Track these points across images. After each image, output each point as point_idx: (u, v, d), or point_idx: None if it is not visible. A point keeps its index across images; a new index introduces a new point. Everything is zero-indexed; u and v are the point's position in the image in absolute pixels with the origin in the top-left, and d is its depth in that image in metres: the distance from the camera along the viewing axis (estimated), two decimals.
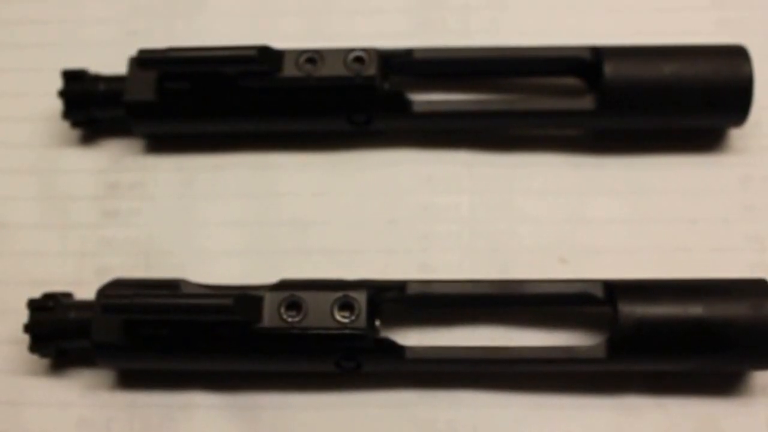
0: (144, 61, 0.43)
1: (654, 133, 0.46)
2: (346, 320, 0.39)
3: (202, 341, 0.40)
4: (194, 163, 0.47)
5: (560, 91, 0.47)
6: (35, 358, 0.42)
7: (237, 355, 0.40)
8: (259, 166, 0.46)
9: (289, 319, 0.39)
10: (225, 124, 0.46)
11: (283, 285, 0.40)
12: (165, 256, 0.45)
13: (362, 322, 0.39)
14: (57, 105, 0.46)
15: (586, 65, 0.45)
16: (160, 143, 0.47)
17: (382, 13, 0.49)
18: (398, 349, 0.40)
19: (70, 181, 0.47)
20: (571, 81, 0.46)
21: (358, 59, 0.43)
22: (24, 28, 0.50)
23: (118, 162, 0.47)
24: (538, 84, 0.47)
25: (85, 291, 0.43)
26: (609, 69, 0.43)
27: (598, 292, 0.40)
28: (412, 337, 0.42)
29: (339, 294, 0.39)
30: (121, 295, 0.39)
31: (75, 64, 0.47)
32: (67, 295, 0.43)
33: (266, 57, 0.43)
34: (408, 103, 0.45)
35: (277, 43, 0.44)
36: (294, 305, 0.39)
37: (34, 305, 0.42)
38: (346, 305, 0.39)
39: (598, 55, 0.44)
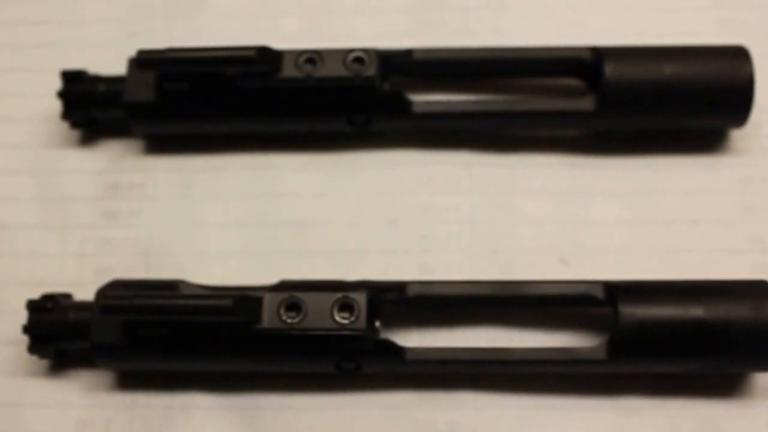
0: (143, 61, 0.43)
1: (654, 134, 0.46)
2: (345, 321, 0.39)
3: (202, 342, 0.40)
4: (194, 164, 0.47)
5: (560, 91, 0.47)
6: (34, 359, 0.42)
7: (236, 356, 0.40)
8: (258, 167, 0.46)
9: (289, 320, 0.39)
10: (224, 124, 0.46)
11: (283, 286, 0.40)
12: (164, 256, 0.45)
13: (362, 323, 0.39)
14: (56, 105, 0.46)
15: (586, 66, 0.45)
16: (160, 144, 0.47)
17: (381, 14, 0.49)
18: (398, 350, 0.40)
19: (69, 181, 0.47)
20: (571, 81, 0.46)
21: (358, 59, 0.43)
22: (23, 28, 0.50)
23: (117, 163, 0.47)
24: (538, 84, 0.47)
25: (85, 292, 0.43)
26: (609, 69, 0.43)
27: (599, 293, 0.40)
28: (412, 338, 0.42)
29: (339, 295, 0.39)
30: (121, 296, 0.39)
31: (74, 64, 0.47)
32: (67, 296, 0.43)
33: (265, 57, 0.43)
34: (408, 104, 0.44)
35: (277, 44, 0.44)
36: (293, 306, 0.39)
37: (33, 306, 0.42)
38: (346, 306, 0.39)
39: (599, 55, 0.44)
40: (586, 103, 0.44)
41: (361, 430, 0.41)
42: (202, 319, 0.39)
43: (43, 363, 0.43)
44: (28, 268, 0.45)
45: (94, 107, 0.46)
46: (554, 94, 0.47)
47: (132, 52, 0.44)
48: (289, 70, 0.43)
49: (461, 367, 0.41)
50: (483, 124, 0.46)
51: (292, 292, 0.40)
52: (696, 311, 0.38)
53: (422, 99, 0.45)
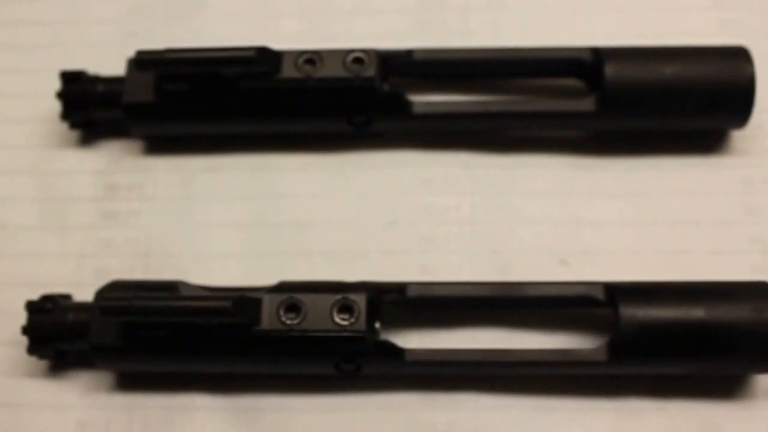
0: (142, 62, 0.43)
1: (655, 135, 0.45)
2: (345, 323, 0.39)
3: (201, 344, 0.40)
4: (193, 165, 0.47)
5: (560, 92, 0.47)
6: (34, 359, 0.42)
7: (236, 358, 0.40)
8: (258, 168, 0.46)
9: (288, 322, 0.39)
10: (224, 125, 0.46)
11: (283, 287, 0.40)
12: (164, 257, 0.45)
13: (362, 324, 0.39)
14: (56, 106, 0.46)
15: (586, 66, 0.44)
16: (159, 144, 0.47)
17: (381, 14, 0.49)
18: (398, 352, 0.40)
19: (68, 182, 0.47)
20: (571, 82, 0.46)
21: (358, 60, 0.43)
22: (23, 29, 0.50)
23: (116, 163, 0.47)
24: (538, 85, 0.47)
25: (84, 292, 0.43)
26: (610, 70, 0.43)
27: (599, 295, 0.40)
28: (412, 340, 0.42)
29: (338, 296, 0.39)
30: (119, 298, 0.39)
31: (74, 65, 0.47)
32: (66, 297, 0.43)
33: (265, 58, 0.43)
34: (408, 104, 0.44)
35: (276, 44, 0.44)
36: (293, 307, 0.39)
37: (32, 307, 0.41)
38: (346, 307, 0.39)
39: (599, 56, 0.44)
40: (587, 104, 0.44)
41: (361, 431, 0.41)
42: (201, 321, 0.39)
43: (43, 364, 0.43)
44: (28, 269, 0.45)
45: (93, 108, 0.46)
46: (554, 94, 0.47)
47: (131, 52, 0.44)
48: (288, 71, 0.43)
49: (461, 369, 0.41)
50: (483, 125, 0.46)
51: (291, 293, 0.39)
52: (697, 312, 0.38)
53: (422, 99, 0.45)
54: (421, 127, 0.46)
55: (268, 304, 0.39)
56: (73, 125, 0.47)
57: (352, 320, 0.39)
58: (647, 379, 0.41)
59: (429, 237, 0.44)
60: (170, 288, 0.40)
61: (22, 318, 0.41)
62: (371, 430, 0.41)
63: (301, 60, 0.43)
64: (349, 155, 0.46)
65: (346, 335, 0.39)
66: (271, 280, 0.41)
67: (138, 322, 0.39)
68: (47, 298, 0.42)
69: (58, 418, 0.42)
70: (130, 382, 0.43)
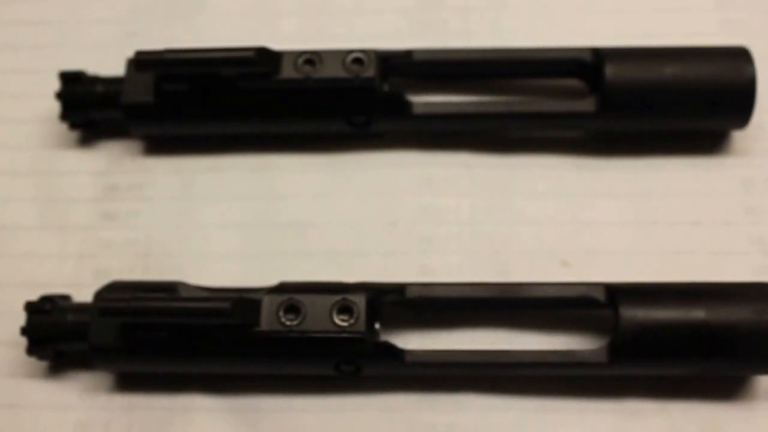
0: (142, 62, 0.43)
1: (656, 135, 0.45)
2: (345, 324, 0.39)
3: (200, 345, 0.40)
4: (193, 165, 0.46)
5: (561, 92, 0.47)
6: (33, 360, 0.42)
7: (235, 359, 0.40)
8: (257, 168, 0.46)
9: (288, 323, 0.39)
10: (223, 125, 0.45)
11: (282, 288, 0.40)
12: (164, 258, 0.45)
13: (361, 325, 0.39)
14: (55, 106, 0.46)
15: (587, 67, 0.44)
16: (159, 145, 0.47)
17: (381, 14, 0.49)
18: (398, 353, 0.40)
19: (68, 182, 0.46)
20: (571, 82, 0.46)
21: (357, 60, 0.43)
22: (22, 29, 0.50)
23: (116, 164, 0.47)
24: (538, 85, 0.47)
25: (84, 293, 0.43)
26: (610, 71, 0.43)
27: (600, 296, 0.40)
28: (412, 341, 0.42)
29: (338, 297, 0.39)
30: (119, 299, 0.39)
31: (73, 65, 0.47)
32: (66, 297, 0.43)
33: (264, 58, 0.43)
34: (407, 105, 0.44)
35: (276, 45, 0.44)
36: (293, 308, 0.39)
37: (31, 308, 0.41)
38: (345, 308, 0.39)
39: (599, 56, 0.44)
40: (587, 105, 0.44)
41: None
42: (200, 322, 0.39)
43: (42, 364, 0.43)
44: (27, 269, 0.45)
45: (92, 108, 0.46)
46: (555, 95, 0.47)
47: (131, 52, 0.44)
48: (288, 71, 0.43)
49: (461, 370, 0.41)
50: (483, 125, 0.45)
51: (291, 294, 0.39)
52: (698, 313, 0.38)
53: (422, 100, 0.45)
54: (421, 127, 0.46)
55: (267, 305, 0.39)
56: (73, 126, 0.47)
57: (352, 321, 0.39)
58: (648, 380, 0.41)
59: (429, 237, 0.44)
60: (170, 289, 0.40)
61: (21, 319, 0.41)
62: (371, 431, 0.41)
63: (300, 60, 0.43)
64: (348, 156, 0.46)
65: (345, 336, 0.39)
66: (270, 280, 0.41)
67: (137, 322, 0.39)
68: (46, 299, 0.42)
69: (57, 419, 0.42)
70: (129, 382, 0.42)
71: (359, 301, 0.39)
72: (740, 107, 0.43)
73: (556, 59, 0.45)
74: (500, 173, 0.45)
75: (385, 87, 0.44)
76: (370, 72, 0.43)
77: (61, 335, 0.41)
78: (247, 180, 0.46)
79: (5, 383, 0.43)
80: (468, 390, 0.41)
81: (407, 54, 0.45)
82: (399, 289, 0.41)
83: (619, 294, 0.39)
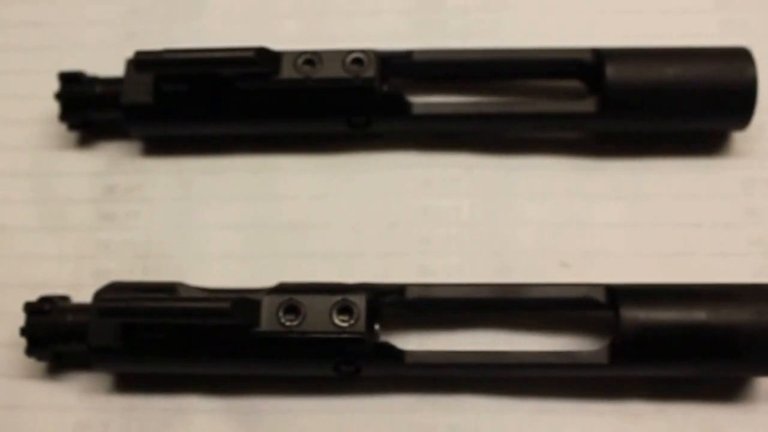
0: (141, 63, 0.43)
1: (656, 136, 0.45)
2: (345, 324, 0.39)
3: (200, 345, 0.40)
4: (192, 166, 0.46)
5: (561, 93, 0.47)
6: (32, 361, 0.42)
7: (235, 360, 0.40)
8: (257, 169, 0.46)
9: (288, 323, 0.39)
10: (223, 126, 0.45)
11: (282, 288, 0.40)
12: (163, 259, 0.45)
13: (361, 326, 0.39)
14: (54, 107, 0.46)
15: (587, 67, 0.44)
16: (158, 146, 0.47)
17: (381, 14, 0.49)
18: (398, 354, 0.40)
19: (67, 183, 0.46)
20: (572, 83, 0.46)
21: (357, 61, 0.43)
22: (21, 29, 0.50)
23: (115, 165, 0.47)
24: (538, 86, 0.47)
25: (83, 294, 0.43)
26: (611, 71, 0.43)
27: (600, 297, 0.40)
28: (411, 342, 0.42)
29: (338, 298, 0.39)
30: (118, 299, 0.39)
31: (72, 65, 0.47)
32: (64, 298, 0.43)
33: (264, 58, 0.42)
34: (407, 105, 0.44)
35: (276, 45, 0.44)
36: (292, 309, 0.39)
37: (30, 308, 0.41)
38: (345, 309, 0.39)
39: (600, 57, 0.44)
40: (587, 105, 0.44)
41: None
42: (199, 322, 0.39)
43: (41, 365, 0.43)
44: (26, 270, 0.45)
45: (91, 109, 0.45)
46: (555, 95, 0.47)
47: (130, 53, 0.44)
48: (287, 72, 0.43)
49: (461, 371, 0.41)
50: (483, 126, 0.45)
51: (291, 294, 0.39)
52: (698, 315, 0.38)
53: (422, 100, 0.45)
54: (420, 128, 0.46)
55: (267, 305, 0.39)
56: (72, 126, 0.47)
57: (352, 322, 0.39)
58: (648, 381, 0.41)
59: (429, 238, 0.44)
60: (169, 289, 0.40)
61: (20, 319, 0.41)
62: None
63: (300, 60, 0.43)
64: (348, 156, 0.46)
65: (345, 337, 0.39)
66: (270, 281, 0.41)
67: (136, 323, 0.39)
68: (45, 300, 0.42)
69: (56, 420, 0.42)
70: (128, 383, 0.42)
71: (359, 301, 0.39)
72: (741, 108, 0.43)
73: (556, 60, 0.45)
74: (500, 174, 0.45)
75: (385, 87, 0.44)
76: (369, 72, 0.43)
77: (60, 336, 0.41)
78: (247, 181, 0.46)
79: (4, 384, 0.43)
80: (468, 391, 0.41)
81: (407, 54, 0.45)
82: (399, 289, 0.41)
83: (619, 295, 0.39)
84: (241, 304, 0.38)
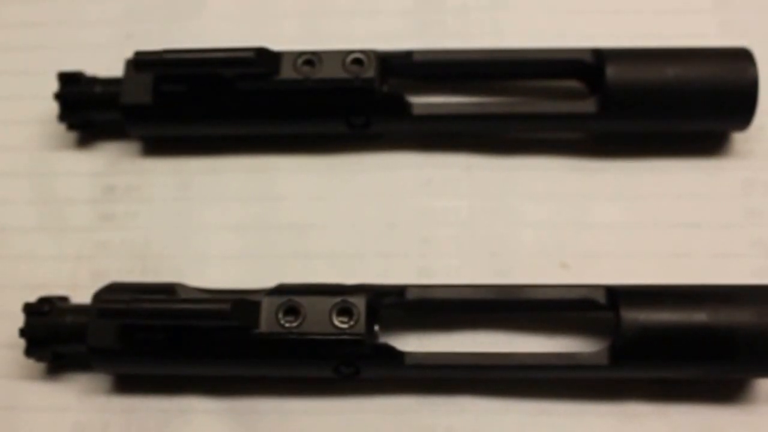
0: (140, 63, 0.42)
1: (656, 137, 0.45)
2: (344, 326, 0.39)
3: (199, 346, 0.40)
4: (191, 166, 0.46)
5: (561, 93, 0.46)
6: (31, 362, 0.42)
7: (234, 361, 0.40)
8: (256, 169, 0.46)
9: (287, 325, 0.39)
10: (222, 126, 0.45)
11: (281, 289, 0.40)
12: (162, 259, 0.45)
13: (361, 327, 0.39)
14: (53, 107, 0.46)
15: (587, 68, 0.44)
16: (157, 146, 0.47)
17: (381, 15, 0.49)
18: (397, 355, 0.40)
19: (66, 184, 0.46)
20: (572, 83, 0.46)
21: (357, 61, 0.43)
22: (20, 30, 0.50)
23: (114, 165, 0.47)
24: (538, 86, 0.47)
25: (82, 294, 0.43)
26: (611, 71, 0.43)
27: (601, 298, 0.40)
28: (411, 343, 0.42)
29: (337, 299, 0.39)
30: (117, 300, 0.38)
31: (72, 66, 0.47)
32: (64, 299, 0.43)
33: (263, 59, 0.42)
34: (407, 106, 0.44)
35: (275, 45, 0.43)
36: (292, 310, 0.39)
37: (29, 309, 0.41)
38: (345, 310, 0.39)
39: (600, 57, 0.43)
40: (588, 106, 0.43)
41: None
42: (199, 324, 0.39)
43: (40, 366, 0.43)
44: (25, 271, 0.45)
45: (91, 109, 0.45)
46: (555, 96, 0.47)
47: (130, 53, 0.44)
48: (287, 72, 0.43)
49: (461, 372, 0.41)
50: (483, 127, 0.45)
51: (290, 295, 0.39)
52: (699, 316, 0.38)
53: (422, 101, 0.45)
54: (420, 128, 0.45)
55: (266, 306, 0.39)
56: (71, 127, 0.46)
57: (352, 323, 0.39)
58: (648, 382, 0.41)
59: (428, 239, 0.44)
60: (168, 290, 0.40)
61: (19, 320, 0.41)
62: None
63: (300, 61, 0.43)
64: (348, 157, 0.46)
65: (345, 338, 0.39)
66: (269, 282, 0.41)
67: (136, 324, 0.39)
68: (45, 301, 0.42)
69: (55, 421, 0.42)
70: (127, 384, 0.42)
71: (359, 303, 0.39)
72: (742, 109, 0.43)
73: (556, 60, 0.45)
74: (500, 175, 0.45)
75: (385, 88, 0.44)
76: (369, 73, 0.43)
77: (60, 337, 0.41)
78: (246, 181, 0.46)
79: (3, 384, 0.43)
80: (467, 392, 0.41)
81: (407, 55, 0.45)
82: (399, 291, 0.40)
83: (620, 296, 0.39)
84: (241, 305, 0.38)
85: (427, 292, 0.41)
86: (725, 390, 0.41)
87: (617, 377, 0.40)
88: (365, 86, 0.43)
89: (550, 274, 0.43)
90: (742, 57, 0.43)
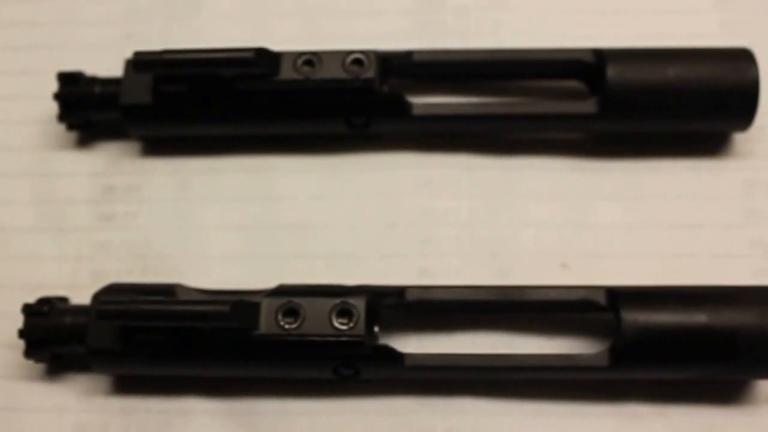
0: (140, 63, 0.42)
1: (657, 137, 0.45)
2: (344, 327, 0.39)
3: (199, 348, 0.39)
4: (191, 167, 0.46)
5: (562, 94, 0.46)
6: (31, 363, 0.42)
7: (234, 362, 0.40)
8: (256, 170, 0.46)
9: (287, 326, 0.39)
10: (222, 126, 0.45)
11: (281, 291, 0.40)
12: (161, 260, 0.45)
13: (361, 328, 0.39)
14: (53, 107, 0.46)
15: (588, 68, 0.44)
16: (157, 146, 0.47)
17: (381, 15, 0.49)
18: (397, 356, 0.40)
19: (65, 184, 0.46)
20: (573, 84, 0.46)
21: (357, 61, 0.43)
22: (20, 30, 0.50)
23: (114, 165, 0.47)
24: (539, 87, 0.47)
25: (81, 295, 0.43)
26: (611, 72, 0.43)
27: (601, 299, 0.40)
28: (411, 344, 0.42)
29: (337, 301, 0.39)
30: (116, 301, 0.38)
31: (71, 66, 0.47)
32: (63, 300, 0.43)
33: (263, 59, 0.42)
34: (407, 106, 0.44)
35: (275, 45, 0.43)
36: (291, 312, 0.39)
37: (28, 310, 0.41)
38: (345, 312, 0.39)
39: (601, 57, 0.43)
40: (588, 106, 0.43)
41: None
42: (198, 325, 0.39)
43: (40, 367, 0.43)
44: (25, 271, 0.45)
45: (90, 109, 0.45)
46: (556, 96, 0.46)
47: (129, 53, 0.44)
48: (287, 72, 0.43)
49: (461, 373, 0.40)
50: (483, 127, 0.45)
51: (290, 297, 0.39)
52: (699, 317, 0.38)
53: (422, 101, 0.45)
54: (420, 128, 0.45)
55: (266, 308, 0.39)
56: (71, 127, 0.46)
57: (351, 325, 0.39)
58: (648, 384, 0.41)
59: (428, 240, 0.44)
60: (168, 291, 0.40)
61: (19, 321, 0.41)
62: None
63: (300, 61, 0.43)
64: (347, 157, 0.46)
65: (344, 340, 0.38)
66: (269, 282, 0.41)
67: (135, 326, 0.39)
68: (44, 301, 0.42)
69: (54, 422, 0.42)
70: (127, 385, 0.42)
71: (359, 304, 0.39)
72: (743, 109, 0.43)
73: (556, 60, 0.45)
74: (500, 175, 0.45)
75: (385, 88, 0.44)
76: (369, 73, 0.43)
77: (59, 338, 0.41)
78: (246, 181, 0.46)
79: (3, 385, 0.43)
80: (467, 394, 0.41)
81: (407, 55, 0.45)
82: (398, 292, 0.40)
83: (620, 297, 0.39)
84: (240, 306, 0.38)
85: (427, 293, 0.40)
86: (726, 391, 0.41)
87: (617, 378, 0.40)
88: (365, 86, 0.43)
89: (550, 274, 0.43)
90: (743, 57, 0.43)
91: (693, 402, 0.41)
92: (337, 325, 0.39)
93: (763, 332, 0.38)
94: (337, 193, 0.45)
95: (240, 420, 0.41)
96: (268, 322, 0.39)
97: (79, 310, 0.41)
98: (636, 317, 0.38)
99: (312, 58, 0.43)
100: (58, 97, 0.45)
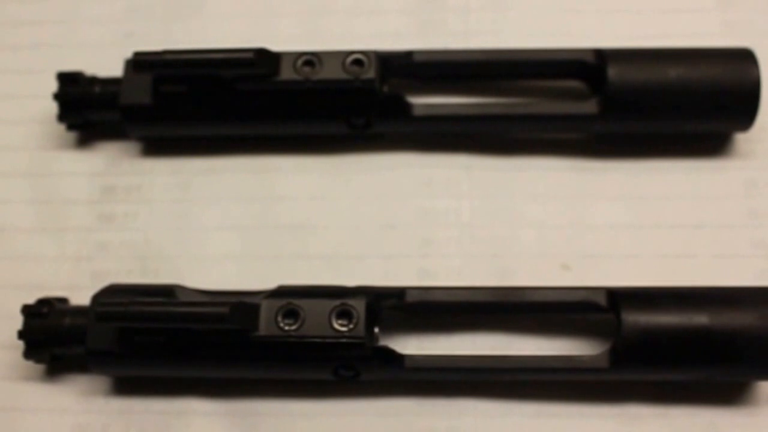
0: (140, 63, 0.42)
1: (658, 138, 0.45)
2: (344, 329, 0.39)
3: (198, 349, 0.39)
4: (191, 167, 0.46)
5: (563, 94, 0.46)
6: (30, 364, 0.42)
7: (233, 364, 0.40)
8: (256, 170, 0.46)
9: (286, 328, 0.39)
10: (222, 127, 0.45)
11: (281, 292, 0.40)
12: (161, 260, 0.45)
13: (360, 330, 0.38)
14: (52, 107, 0.46)
15: (589, 68, 0.44)
16: (157, 146, 0.47)
17: (381, 15, 0.48)
18: (397, 358, 0.40)
19: (65, 184, 0.46)
20: (573, 84, 0.46)
21: (357, 62, 0.43)
22: (19, 29, 0.50)
23: (113, 165, 0.47)
24: (540, 87, 0.47)
25: (81, 295, 0.43)
26: (613, 72, 0.43)
27: (601, 300, 0.40)
28: (411, 345, 0.42)
29: (337, 302, 0.39)
30: (116, 303, 0.38)
31: (71, 66, 0.47)
32: (63, 300, 0.43)
33: (263, 59, 0.42)
34: (407, 106, 0.44)
35: (275, 46, 0.43)
36: (291, 313, 0.39)
37: (28, 311, 0.41)
38: (345, 313, 0.39)
39: (602, 57, 0.43)
40: (589, 106, 0.43)
41: None
42: (198, 327, 0.39)
43: (39, 368, 0.43)
44: (24, 272, 0.45)
45: (90, 109, 0.45)
46: (556, 96, 0.46)
47: (129, 53, 0.44)
48: (287, 73, 0.43)
49: (461, 375, 0.40)
50: (484, 127, 0.45)
51: (290, 298, 0.39)
52: (700, 318, 0.38)
53: (422, 101, 0.45)
54: (421, 129, 0.45)
55: (266, 309, 0.39)
56: (70, 127, 0.46)
57: (351, 326, 0.39)
58: (649, 385, 0.41)
59: (429, 240, 0.44)
60: (167, 292, 0.40)
61: (18, 321, 0.41)
62: None
63: (300, 62, 0.43)
64: (348, 157, 0.46)
65: (344, 341, 0.38)
66: (269, 283, 0.41)
67: (135, 327, 0.39)
68: (44, 302, 0.42)
69: (54, 423, 0.42)
70: (127, 386, 0.42)
71: (359, 305, 0.39)
72: (744, 109, 0.43)
73: (557, 60, 0.45)
74: (501, 175, 0.45)
75: (385, 88, 0.44)
76: (370, 73, 0.43)
77: (59, 339, 0.41)
78: (246, 182, 0.46)
79: (2, 386, 0.43)
80: (467, 395, 0.41)
81: (407, 55, 0.45)
82: (399, 293, 0.40)
83: (620, 298, 0.39)
84: (240, 308, 0.38)
85: (427, 295, 0.40)
86: (726, 392, 0.41)
87: (618, 379, 0.40)
88: (365, 87, 0.43)
89: (551, 275, 0.43)
90: (745, 57, 0.43)
91: (694, 403, 0.40)
92: (337, 326, 0.39)
93: (765, 334, 0.38)
94: (338, 194, 0.45)
95: (240, 421, 0.41)
96: (267, 324, 0.39)
97: (79, 311, 0.41)
98: (636, 318, 0.38)
99: (312, 59, 0.43)
100: (57, 97, 0.45)
